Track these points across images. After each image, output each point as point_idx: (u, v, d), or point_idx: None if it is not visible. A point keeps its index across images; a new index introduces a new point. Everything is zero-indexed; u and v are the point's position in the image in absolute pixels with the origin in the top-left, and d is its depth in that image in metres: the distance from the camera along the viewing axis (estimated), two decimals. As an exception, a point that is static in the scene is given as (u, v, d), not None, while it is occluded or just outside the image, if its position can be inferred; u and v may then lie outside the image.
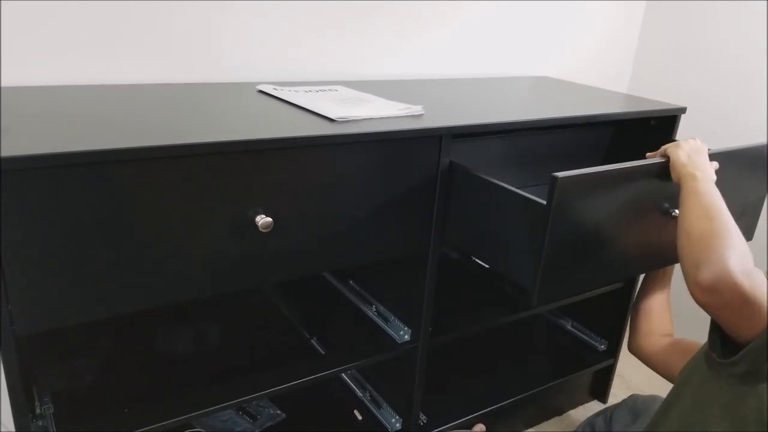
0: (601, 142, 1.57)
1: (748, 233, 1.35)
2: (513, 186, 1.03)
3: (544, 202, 0.93)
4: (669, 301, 1.38)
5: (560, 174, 0.90)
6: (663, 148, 1.10)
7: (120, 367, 1.21)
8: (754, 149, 1.25)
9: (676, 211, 1.09)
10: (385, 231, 1.07)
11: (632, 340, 1.37)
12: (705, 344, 0.99)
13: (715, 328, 0.89)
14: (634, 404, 1.43)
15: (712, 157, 1.10)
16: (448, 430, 1.40)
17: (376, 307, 1.34)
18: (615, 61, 2.01)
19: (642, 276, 1.46)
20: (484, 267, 1.57)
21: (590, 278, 1.08)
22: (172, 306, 0.91)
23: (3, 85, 1.09)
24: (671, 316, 1.37)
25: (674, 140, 1.30)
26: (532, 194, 1.00)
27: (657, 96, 1.58)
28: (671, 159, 1.05)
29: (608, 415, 1.45)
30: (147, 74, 1.23)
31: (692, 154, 1.04)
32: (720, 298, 0.79)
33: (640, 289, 1.43)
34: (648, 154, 1.13)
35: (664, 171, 1.06)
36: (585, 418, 1.54)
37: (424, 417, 1.38)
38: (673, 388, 1.02)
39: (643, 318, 1.36)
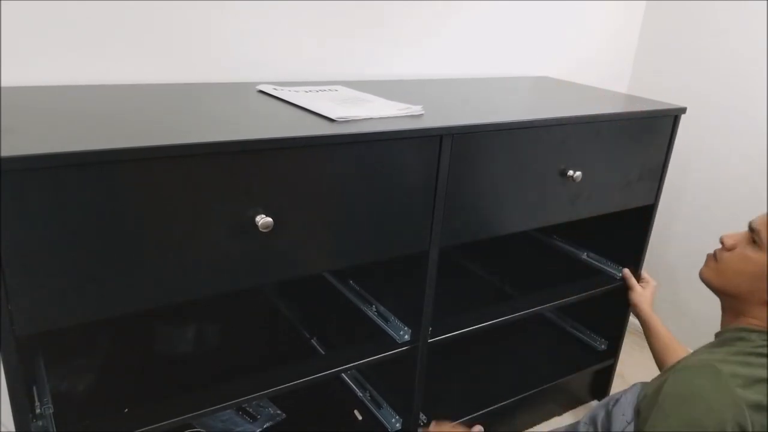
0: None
1: (648, 196, 1.50)
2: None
3: None
4: (667, 331, 1.47)
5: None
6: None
7: (120, 367, 1.21)
8: (654, 113, 1.38)
9: (571, 171, 1.25)
10: (385, 231, 1.07)
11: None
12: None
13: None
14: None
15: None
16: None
17: (376, 307, 1.34)
18: (615, 61, 2.01)
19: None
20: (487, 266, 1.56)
21: (488, 225, 1.21)
22: (172, 306, 0.91)
23: (3, 85, 1.09)
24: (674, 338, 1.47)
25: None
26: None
27: (657, 96, 1.58)
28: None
29: (609, 407, 1.44)
30: (147, 74, 1.23)
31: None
32: None
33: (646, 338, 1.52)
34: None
35: (564, 133, 1.22)
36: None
37: (424, 417, 1.38)
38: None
39: (663, 355, 1.43)
